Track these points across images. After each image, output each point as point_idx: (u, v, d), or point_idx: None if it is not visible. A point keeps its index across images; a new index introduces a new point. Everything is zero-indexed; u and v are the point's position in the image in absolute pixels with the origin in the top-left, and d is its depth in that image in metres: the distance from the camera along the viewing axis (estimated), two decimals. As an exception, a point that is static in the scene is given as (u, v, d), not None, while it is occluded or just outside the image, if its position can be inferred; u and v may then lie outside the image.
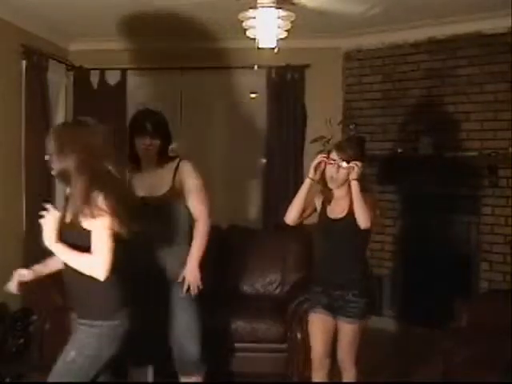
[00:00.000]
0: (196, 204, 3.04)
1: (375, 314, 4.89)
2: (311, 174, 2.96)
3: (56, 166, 2.28)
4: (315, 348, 3.03)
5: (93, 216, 2.18)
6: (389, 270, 5.09)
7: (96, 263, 2.22)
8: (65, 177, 2.28)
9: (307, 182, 2.98)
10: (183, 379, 3.13)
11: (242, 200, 5.55)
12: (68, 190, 2.32)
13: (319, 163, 2.95)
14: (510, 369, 2.98)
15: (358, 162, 2.89)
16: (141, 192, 3.00)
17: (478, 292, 4.55)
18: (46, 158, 2.33)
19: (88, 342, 2.30)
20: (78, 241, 2.25)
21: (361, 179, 2.89)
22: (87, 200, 2.18)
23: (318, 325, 3.00)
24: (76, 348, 2.30)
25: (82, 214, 2.20)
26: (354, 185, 2.85)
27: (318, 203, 3.06)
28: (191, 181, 3.04)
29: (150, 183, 3.01)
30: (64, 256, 2.28)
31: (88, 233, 2.23)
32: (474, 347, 3.23)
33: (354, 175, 2.88)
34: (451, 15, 4.49)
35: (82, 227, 2.23)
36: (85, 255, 2.23)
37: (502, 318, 3.38)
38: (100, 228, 2.21)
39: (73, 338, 2.34)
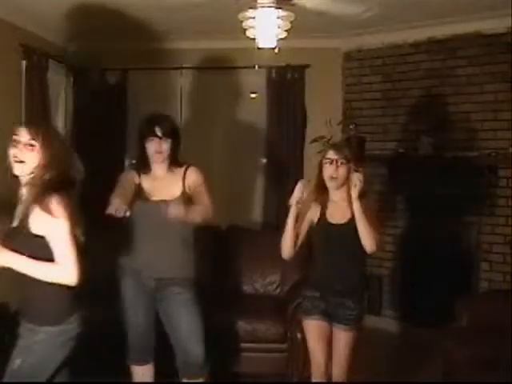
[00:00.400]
0: (201, 197, 3.03)
1: (375, 313, 4.94)
2: (294, 202, 2.87)
3: (31, 164, 2.21)
4: (315, 356, 2.96)
5: (50, 214, 2.11)
6: (389, 270, 5.09)
7: (65, 270, 2.15)
8: (34, 175, 2.21)
9: (293, 211, 2.89)
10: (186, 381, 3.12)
11: (241, 200, 5.55)
12: (24, 191, 2.25)
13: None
14: (510, 369, 2.98)
15: (360, 176, 2.82)
16: (152, 196, 3.02)
17: (478, 292, 4.55)
18: (16, 152, 2.21)
19: (34, 348, 2.22)
20: (24, 247, 2.15)
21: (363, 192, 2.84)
22: (47, 201, 2.13)
23: (316, 332, 2.94)
24: (21, 355, 2.22)
25: (39, 213, 2.12)
26: (357, 208, 2.79)
27: (316, 212, 2.97)
28: (199, 184, 3.06)
29: (162, 187, 3.03)
30: (25, 267, 2.15)
31: (37, 239, 2.15)
32: (474, 347, 3.23)
33: (354, 193, 2.80)
34: (451, 15, 4.49)
35: (30, 232, 2.16)
36: (50, 264, 2.15)
37: (502, 317, 3.38)
38: (59, 232, 2.15)
39: (18, 343, 2.26)
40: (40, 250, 2.15)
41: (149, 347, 3.17)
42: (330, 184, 2.92)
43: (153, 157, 3.03)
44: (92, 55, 5.35)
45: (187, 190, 3.04)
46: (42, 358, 2.23)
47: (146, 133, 3.02)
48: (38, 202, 2.14)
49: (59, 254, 2.15)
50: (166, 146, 3.00)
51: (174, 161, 3.06)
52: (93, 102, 5.37)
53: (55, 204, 2.13)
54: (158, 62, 5.27)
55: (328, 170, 2.90)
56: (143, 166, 3.08)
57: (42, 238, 2.16)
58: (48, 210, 2.12)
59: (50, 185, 2.16)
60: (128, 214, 2.68)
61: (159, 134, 2.98)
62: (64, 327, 2.25)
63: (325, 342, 2.94)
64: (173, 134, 3.04)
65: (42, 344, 2.22)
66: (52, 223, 2.14)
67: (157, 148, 2.99)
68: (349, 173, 2.89)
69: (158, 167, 3.06)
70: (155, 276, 3.04)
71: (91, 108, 5.35)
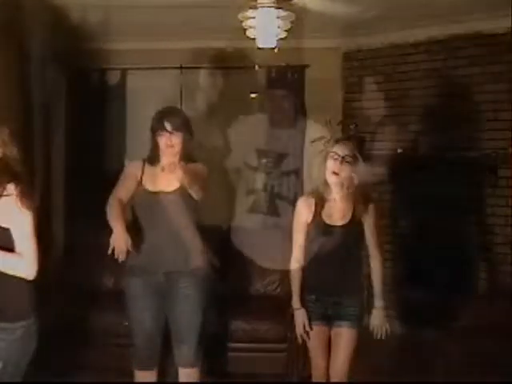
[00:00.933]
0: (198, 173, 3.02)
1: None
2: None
3: None
4: (317, 363, 2.94)
5: (19, 206, 2.12)
6: (389, 270, 5.08)
7: (27, 263, 2.16)
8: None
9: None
10: (180, 370, 3.12)
11: (241, 200, 5.54)
12: None
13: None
14: (510, 369, 2.98)
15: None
16: (152, 188, 3.01)
17: (478, 292, 4.55)
18: None
19: (14, 347, 2.21)
20: None
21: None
22: (18, 192, 2.13)
23: (315, 336, 2.92)
24: (3, 359, 2.19)
25: (6, 204, 2.12)
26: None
27: (309, 211, 2.90)
28: (199, 170, 3.04)
29: (163, 180, 3.01)
30: None
31: (1, 231, 2.15)
32: (474, 347, 3.23)
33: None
34: (451, 15, 4.49)
35: None
36: (12, 255, 2.15)
37: (502, 317, 3.38)
38: (26, 225, 2.15)
39: None
40: (2, 242, 2.14)
41: (156, 354, 3.14)
42: (330, 179, 2.85)
43: (164, 151, 3.02)
44: (92, 55, 5.35)
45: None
46: (21, 354, 2.24)
47: (157, 127, 3.02)
48: (5, 194, 2.13)
49: (23, 246, 2.16)
50: (176, 140, 2.99)
51: (185, 154, 3.03)
52: (93, 102, 5.37)
53: (24, 196, 2.14)
54: (157, 62, 5.27)
55: (332, 165, 2.83)
56: (154, 159, 3.06)
57: (7, 229, 2.16)
58: (18, 202, 2.12)
59: (17, 177, 2.16)
60: (130, 248, 2.67)
61: (169, 128, 2.98)
62: (33, 319, 2.26)
63: (323, 344, 2.93)
64: (184, 127, 3.04)
65: (20, 340, 2.22)
66: (20, 215, 2.14)
67: (167, 142, 2.98)
68: (352, 172, 2.84)
69: (169, 160, 3.01)
70: (163, 270, 3.01)
71: (91, 108, 5.35)
